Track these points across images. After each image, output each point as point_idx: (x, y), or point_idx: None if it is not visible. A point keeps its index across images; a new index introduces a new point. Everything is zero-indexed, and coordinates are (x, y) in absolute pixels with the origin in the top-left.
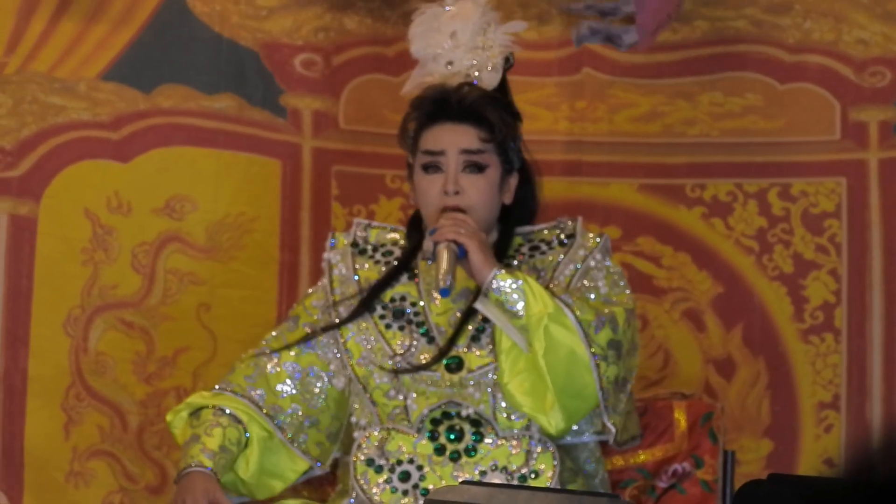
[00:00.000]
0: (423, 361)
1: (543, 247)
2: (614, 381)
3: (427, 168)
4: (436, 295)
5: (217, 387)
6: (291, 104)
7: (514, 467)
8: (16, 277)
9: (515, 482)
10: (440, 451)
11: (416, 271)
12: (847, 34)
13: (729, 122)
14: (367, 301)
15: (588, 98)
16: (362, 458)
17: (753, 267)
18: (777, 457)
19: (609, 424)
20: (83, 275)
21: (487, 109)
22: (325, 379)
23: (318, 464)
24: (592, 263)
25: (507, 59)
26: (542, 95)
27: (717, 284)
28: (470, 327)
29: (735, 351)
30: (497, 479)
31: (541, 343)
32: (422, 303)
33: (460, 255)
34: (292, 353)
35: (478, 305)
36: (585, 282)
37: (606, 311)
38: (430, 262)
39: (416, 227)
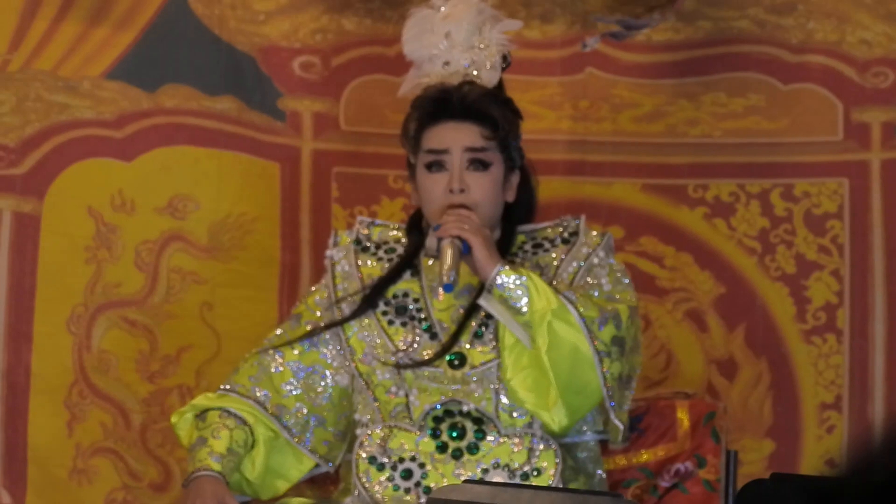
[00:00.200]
0: (426, 357)
1: (546, 244)
2: (618, 378)
3: (430, 167)
4: (439, 291)
5: (221, 388)
6: (290, 107)
7: (517, 465)
8: (19, 275)
9: (517, 480)
10: (442, 448)
11: (419, 268)
12: (850, 35)
13: (731, 122)
14: (370, 297)
15: (591, 98)
16: (364, 455)
17: (756, 267)
18: (779, 457)
19: (616, 422)
20: (86, 273)
21: (490, 107)
22: (329, 377)
23: (330, 464)
24: (596, 261)
25: (504, 58)
26: (545, 95)
27: (720, 285)
28: (473, 323)
29: (737, 351)
30: (499, 476)
31: (544, 339)
32: (425, 299)
33: (464, 251)
34: (296, 351)
35: (481, 301)
36: (589, 279)
37: (610, 307)
38: (433, 258)
39: (416, 227)
